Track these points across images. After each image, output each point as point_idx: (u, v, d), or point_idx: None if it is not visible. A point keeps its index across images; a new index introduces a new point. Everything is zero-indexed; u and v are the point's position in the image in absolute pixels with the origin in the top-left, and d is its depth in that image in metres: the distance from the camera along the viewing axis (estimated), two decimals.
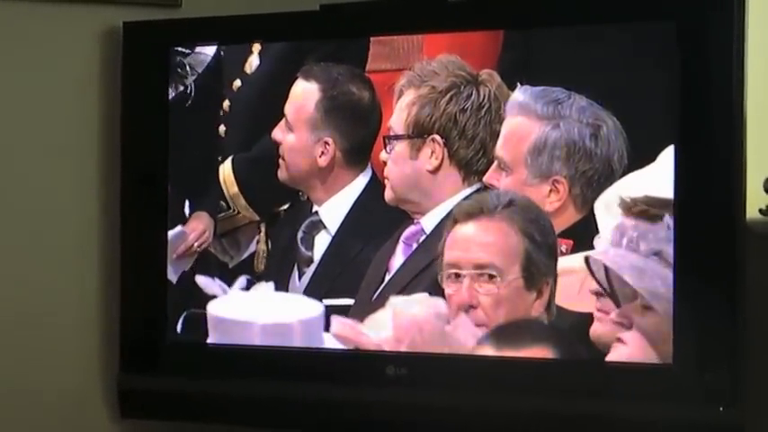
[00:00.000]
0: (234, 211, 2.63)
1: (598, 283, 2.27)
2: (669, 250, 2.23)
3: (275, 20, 2.56)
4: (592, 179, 2.33)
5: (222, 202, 2.63)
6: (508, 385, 2.34)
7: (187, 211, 2.64)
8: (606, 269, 2.26)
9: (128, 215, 2.63)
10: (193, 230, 2.63)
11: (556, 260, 2.33)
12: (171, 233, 2.61)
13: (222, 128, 2.65)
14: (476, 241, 2.35)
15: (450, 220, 2.39)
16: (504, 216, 2.34)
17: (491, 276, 2.33)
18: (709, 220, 2.22)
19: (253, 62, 2.62)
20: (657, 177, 2.25)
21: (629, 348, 2.26)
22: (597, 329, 2.28)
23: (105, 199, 2.70)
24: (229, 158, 2.63)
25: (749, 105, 2.23)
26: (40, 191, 2.69)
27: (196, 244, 2.62)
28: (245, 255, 2.62)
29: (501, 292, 2.33)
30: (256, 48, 2.61)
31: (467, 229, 2.36)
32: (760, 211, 2.32)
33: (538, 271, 2.32)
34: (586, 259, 2.28)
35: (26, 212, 2.69)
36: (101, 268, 2.72)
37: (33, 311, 2.69)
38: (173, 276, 2.62)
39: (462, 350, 2.35)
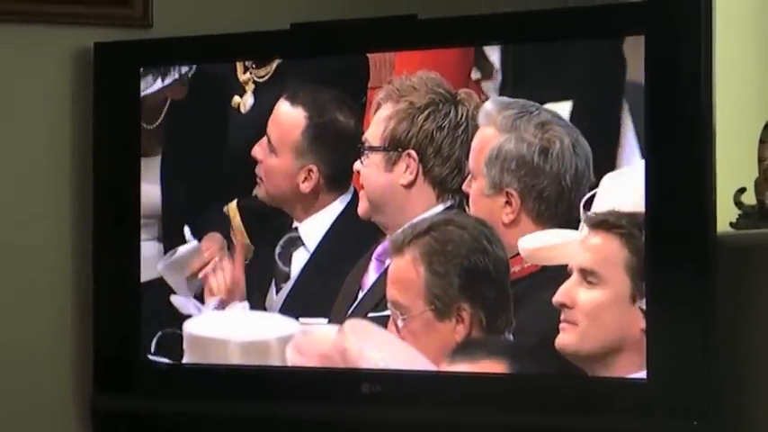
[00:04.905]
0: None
1: None
2: None
3: (246, 39, 2.57)
4: (542, 195, 2.33)
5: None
6: (483, 401, 2.34)
7: (188, 234, 2.62)
8: None
9: (100, 235, 2.63)
10: (208, 249, 2.61)
11: (485, 282, 2.32)
12: (184, 249, 2.60)
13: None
14: (389, 279, 2.38)
15: None
16: (409, 250, 2.34)
17: (401, 313, 2.35)
18: (680, 234, 2.22)
19: (247, 102, 2.60)
20: (627, 192, 2.25)
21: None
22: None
23: (78, 219, 2.70)
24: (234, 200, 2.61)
25: (718, 119, 2.23)
26: (11, 212, 2.69)
27: (210, 265, 2.60)
28: None
29: (413, 327, 2.34)
30: (250, 87, 2.59)
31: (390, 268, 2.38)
32: (731, 224, 2.32)
33: (444, 303, 2.32)
34: None
35: None
36: (74, 289, 2.71)
37: (6, 333, 2.68)
38: (185, 294, 2.61)
39: (436, 367, 2.35)
